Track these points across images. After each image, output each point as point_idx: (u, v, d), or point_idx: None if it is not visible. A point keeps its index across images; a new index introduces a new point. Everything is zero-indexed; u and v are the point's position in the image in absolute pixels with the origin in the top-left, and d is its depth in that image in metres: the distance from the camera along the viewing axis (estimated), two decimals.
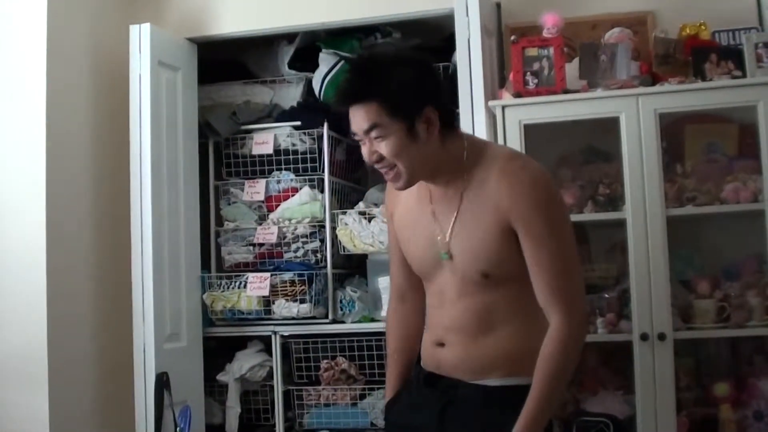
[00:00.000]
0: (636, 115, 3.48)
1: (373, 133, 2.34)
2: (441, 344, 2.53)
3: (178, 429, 2.82)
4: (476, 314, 2.46)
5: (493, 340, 2.45)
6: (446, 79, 3.71)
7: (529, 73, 3.62)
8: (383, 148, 2.35)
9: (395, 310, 2.76)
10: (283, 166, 4.24)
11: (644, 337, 3.42)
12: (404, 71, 2.36)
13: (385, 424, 2.79)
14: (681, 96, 3.50)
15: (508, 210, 2.35)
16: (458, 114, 2.50)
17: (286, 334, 4.07)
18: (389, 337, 2.78)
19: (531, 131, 3.58)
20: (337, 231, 4.09)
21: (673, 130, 3.68)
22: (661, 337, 3.40)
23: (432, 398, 2.53)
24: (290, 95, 4.42)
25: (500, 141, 3.54)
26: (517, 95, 3.62)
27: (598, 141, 3.83)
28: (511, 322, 2.45)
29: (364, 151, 2.40)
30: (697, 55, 3.56)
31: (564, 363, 2.38)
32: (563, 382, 2.42)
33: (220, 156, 4.32)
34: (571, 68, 3.68)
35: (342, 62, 4.22)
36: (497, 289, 2.44)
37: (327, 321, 4.05)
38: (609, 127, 3.57)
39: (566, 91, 3.60)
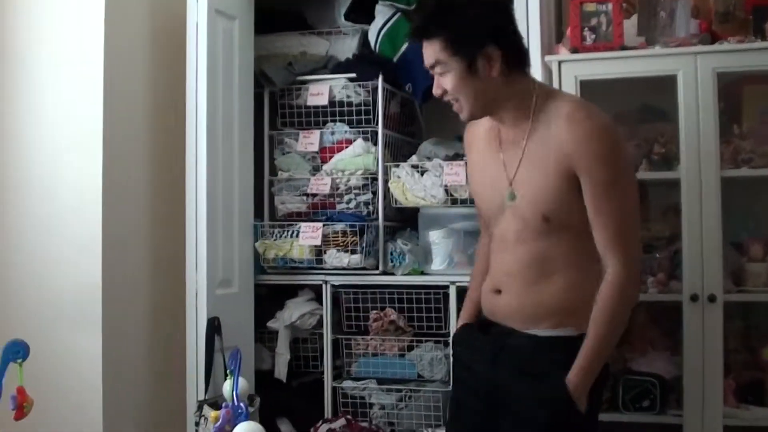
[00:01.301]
0: (694, 73, 3.44)
1: (437, 69, 2.49)
2: (498, 291, 2.62)
3: (228, 371, 2.86)
4: (532, 261, 2.53)
5: (545, 289, 2.52)
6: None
7: (586, 29, 3.60)
8: (446, 82, 2.50)
9: (484, 244, 2.86)
10: (337, 118, 4.24)
11: (694, 298, 3.41)
12: (467, 10, 2.46)
13: (453, 353, 2.91)
14: (740, 55, 3.44)
15: (573, 157, 2.41)
16: (525, 54, 2.56)
17: (336, 283, 4.11)
18: (475, 269, 2.90)
19: (587, 87, 3.55)
20: (389, 183, 4.09)
21: (731, 91, 3.63)
22: (711, 298, 3.38)
23: (486, 344, 2.63)
24: (346, 47, 4.42)
25: None
26: (574, 51, 3.60)
27: (654, 99, 3.80)
28: (564, 273, 2.52)
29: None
30: (757, 14, 3.49)
31: (620, 308, 2.45)
32: (618, 328, 2.49)
33: (276, 106, 4.34)
34: (630, 25, 3.65)
35: (399, 14, 4.22)
36: (554, 236, 2.51)
37: (377, 272, 4.07)
38: (665, 85, 3.52)
39: (624, 48, 3.57)
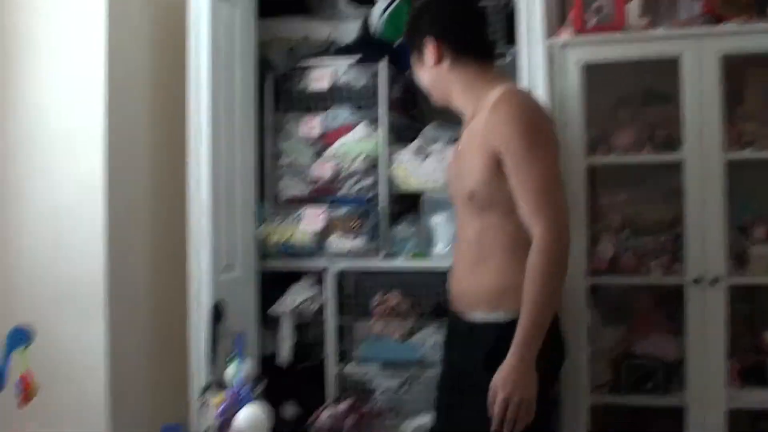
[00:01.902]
0: (697, 55, 3.43)
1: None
2: (454, 276, 2.78)
3: (231, 355, 2.87)
4: (470, 245, 2.65)
5: (479, 274, 2.62)
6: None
7: (589, 11, 3.58)
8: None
9: None
10: (340, 103, 4.24)
11: (697, 280, 3.41)
12: (416, 9, 2.81)
13: None
14: (744, 37, 3.44)
15: (493, 136, 2.53)
16: (475, 47, 2.76)
17: (339, 268, 4.11)
18: None
19: (590, 71, 3.55)
20: (392, 168, 4.09)
21: (735, 73, 3.60)
22: (715, 281, 3.38)
23: (445, 329, 2.90)
24: (348, 31, 4.40)
25: (559, 80, 3.52)
26: (577, 34, 3.58)
27: (657, 82, 3.79)
28: (496, 256, 2.60)
29: None
30: None
31: (549, 272, 2.47)
32: (552, 292, 2.49)
33: (278, 91, 4.33)
34: (633, 7, 3.63)
35: None
36: (485, 217, 2.61)
37: (380, 257, 4.08)
38: (668, 68, 3.51)
39: (627, 30, 3.55)
